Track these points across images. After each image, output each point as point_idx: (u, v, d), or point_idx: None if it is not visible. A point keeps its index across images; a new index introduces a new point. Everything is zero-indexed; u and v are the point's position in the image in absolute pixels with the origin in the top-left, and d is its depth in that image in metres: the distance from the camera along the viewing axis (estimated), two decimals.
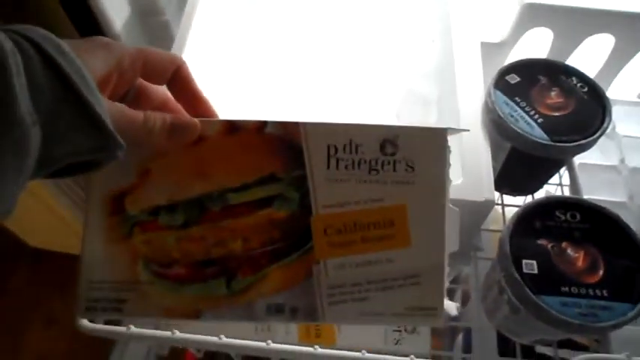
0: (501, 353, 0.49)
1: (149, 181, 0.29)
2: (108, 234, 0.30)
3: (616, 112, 0.55)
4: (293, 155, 0.29)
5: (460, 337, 0.64)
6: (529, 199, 0.53)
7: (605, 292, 0.37)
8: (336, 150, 0.29)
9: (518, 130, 0.44)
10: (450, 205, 0.31)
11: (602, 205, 0.48)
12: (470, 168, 0.43)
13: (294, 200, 0.29)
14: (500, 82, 0.47)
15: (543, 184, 0.53)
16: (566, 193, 0.54)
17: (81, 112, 0.23)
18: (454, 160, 0.45)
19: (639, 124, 0.55)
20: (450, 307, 0.33)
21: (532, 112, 0.45)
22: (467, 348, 0.61)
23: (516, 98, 0.46)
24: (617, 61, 0.52)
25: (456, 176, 0.43)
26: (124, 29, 0.57)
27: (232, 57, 0.55)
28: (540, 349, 0.51)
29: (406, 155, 0.29)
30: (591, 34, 0.50)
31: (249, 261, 0.30)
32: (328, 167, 0.29)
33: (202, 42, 0.52)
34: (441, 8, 0.54)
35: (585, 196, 0.50)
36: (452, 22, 0.51)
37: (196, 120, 0.29)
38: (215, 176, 0.29)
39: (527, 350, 0.47)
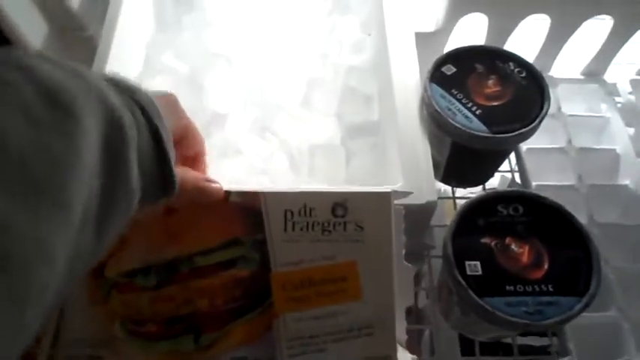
0: (465, 352, 0.48)
1: (127, 246, 0.32)
2: (89, 296, 0.32)
3: (561, 91, 0.54)
4: (254, 220, 0.32)
5: (428, 340, 0.63)
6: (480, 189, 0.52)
7: (550, 287, 0.35)
8: (292, 214, 0.32)
9: (457, 125, 0.42)
10: (405, 262, 0.34)
11: (553, 188, 0.47)
12: (410, 169, 0.41)
13: (255, 260, 0.32)
14: (436, 75, 0.45)
15: (493, 173, 0.51)
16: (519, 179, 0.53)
17: (165, 171, 0.26)
18: (393, 161, 0.44)
19: (585, 102, 0.54)
20: (405, 356, 0.33)
21: (470, 104, 0.43)
22: (434, 350, 0.61)
23: (453, 90, 0.44)
24: (555, 41, 0.50)
25: (396, 179, 0.41)
26: (44, 45, 0.54)
27: (157, 69, 0.52)
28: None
29: (355, 216, 0.32)
30: (526, 16, 0.48)
31: (214, 318, 0.32)
32: (285, 230, 0.32)
33: (124, 56, 0.50)
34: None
35: (535, 182, 0.49)
36: (385, 13, 0.49)
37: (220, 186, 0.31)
38: (184, 241, 0.32)
39: (490, 346, 0.46)
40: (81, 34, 0.56)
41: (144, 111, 0.25)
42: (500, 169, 0.52)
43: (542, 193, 0.40)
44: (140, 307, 0.31)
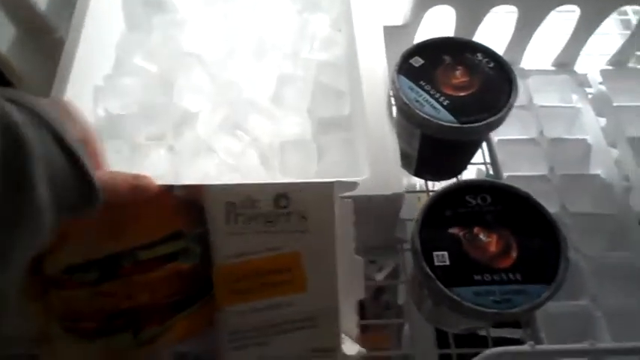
0: (441, 345, 0.48)
1: (66, 242, 0.31)
2: (26, 293, 0.31)
3: (533, 82, 0.54)
4: (197, 213, 0.31)
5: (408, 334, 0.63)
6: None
7: (518, 276, 0.35)
8: (235, 206, 0.31)
9: (425, 116, 0.42)
10: (355, 256, 0.33)
11: (525, 179, 0.47)
12: (377, 162, 0.41)
13: (197, 254, 0.32)
14: (404, 67, 0.45)
15: (466, 165, 0.51)
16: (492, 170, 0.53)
17: (84, 183, 0.25)
18: (361, 155, 0.43)
19: (556, 92, 0.54)
20: (352, 348, 0.33)
21: (437, 95, 0.43)
22: None
23: (421, 82, 0.44)
24: (523, 32, 0.50)
25: (363, 172, 0.41)
26: (12, 50, 0.53)
27: (127, 70, 0.52)
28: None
29: (298, 207, 0.32)
30: (492, 7, 0.48)
31: (155, 312, 0.32)
32: (228, 222, 0.31)
33: (91, 57, 0.49)
34: None
35: (506, 173, 0.49)
36: (353, 9, 0.49)
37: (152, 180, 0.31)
38: (126, 235, 0.31)
39: (465, 338, 0.46)
40: (49, 36, 0.55)
41: (49, 126, 0.24)
42: (474, 161, 0.52)
43: (515, 184, 0.40)
44: (79, 303, 0.31)
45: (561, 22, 0.54)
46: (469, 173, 0.56)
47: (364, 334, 0.64)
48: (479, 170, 0.58)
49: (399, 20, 0.50)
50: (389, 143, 0.42)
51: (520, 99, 0.52)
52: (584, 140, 0.50)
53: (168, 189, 0.31)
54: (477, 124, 0.41)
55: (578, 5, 0.48)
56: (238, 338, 0.32)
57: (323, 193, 0.32)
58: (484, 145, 0.51)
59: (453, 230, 0.38)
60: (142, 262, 0.31)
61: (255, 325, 0.32)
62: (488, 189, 0.39)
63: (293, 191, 0.31)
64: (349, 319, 0.33)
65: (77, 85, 0.46)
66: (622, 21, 0.61)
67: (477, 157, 0.53)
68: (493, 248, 0.37)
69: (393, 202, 0.40)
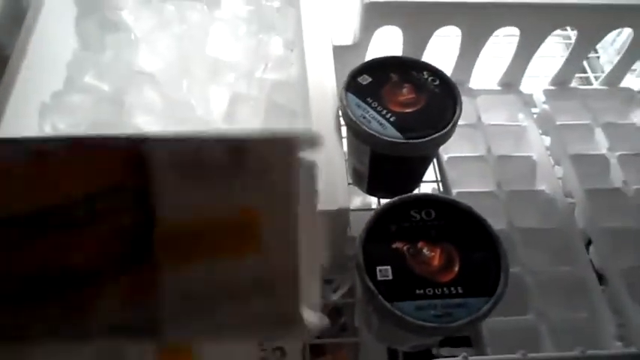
0: None
1: None
2: None
3: (481, 101, 0.55)
4: (140, 165, 0.27)
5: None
6: None
7: (459, 289, 0.35)
8: (184, 160, 0.28)
9: (371, 132, 0.42)
10: (316, 219, 0.29)
11: (473, 195, 0.48)
12: (323, 177, 0.41)
13: (139, 210, 0.27)
14: (352, 85, 0.46)
15: (418, 182, 0.52)
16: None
17: None
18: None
19: (504, 111, 0.55)
20: (313, 317, 0.30)
21: (384, 112, 0.44)
22: None
23: (368, 99, 0.45)
24: (468, 52, 0.52)
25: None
26: None
27: (77, 88, 0.51)
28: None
29: (256, 162, 0.28)
30: (437, 29, 0.49)
31: (90, 277, 0.27)
32: (174, 175, 0.27)
33: (39, 75, 0.48)
34: (294, 13, 0.52)
35: (456, 190, 0.49)
36: (304, 29, 0.50)
37: None
38: (58, 188, 0.27)
39: (416, 357, 0.45)
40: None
41: None
42: (427, 179, 0.53)
43: (464, 200, 0.40)
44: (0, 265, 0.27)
45: (506, 44, 0.56)
46: (424, 191, 0.57)
47: (322, 356, 0.62)
48: (434, 189, 0.59)
49: (349, 40, 0.51)
50: (336, 160, 0.42)
51: (469, 117, 0.54)
52: (529, 157, 0.51)
53: (109, 140, 0.27)
54: (422, 140, 0.42)
55: (519, 27, 0.50)
56: (184, 305, 0.28)
57: (285, 148, 0.27)
58: (435, 162, 0.52)
59: (397, 245, 0.38)
60: (75, 218, 0.28)
61: (204, 291, 0.28)
62: (432, 203, 0.39)
63: (251, 145, 0.27)
64: (311, 287, 0.29)
65: (21, 102, 0.45)
66: (567, 44, 0.64)
67: (430, 174, 0.54)
68: (436, 262, 0.37)
69: (340, 217, 0.40)
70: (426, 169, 0.50)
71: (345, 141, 0.48)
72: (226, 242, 0.27)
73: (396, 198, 0.40)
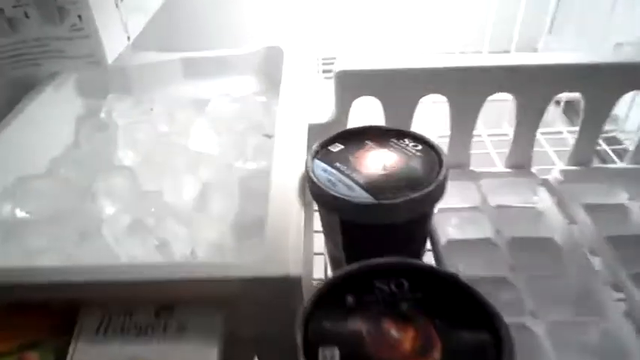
0: None
1: None
2: None
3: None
4: (65, 321, 0.30)
5: None
6: None
7: None
8: (110, 316, 0.31)
9: (337, 194, 0.35)
10: None
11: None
12: (275, 245, 0.33)
13: None
14: (321, 152, 0.40)
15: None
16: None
17: None
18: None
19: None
20: None
21: (353, 174, 0.37)
22: None
23: (337, 164, 0.38)
24: (459, 125, 0.46)
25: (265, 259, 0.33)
26: None
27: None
28: None
29: (180, 319, 0.31)
30: (421, 97, 0.44)
31: None
32: (97, 332, 0.30)
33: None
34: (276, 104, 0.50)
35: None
36: (278, 113, 0.46)
37: None
38: None
39: None
40: None
41: None
42: None
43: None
44: None
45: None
46: None
47: None
48: None
49: (325, 117, 0.47)
50: (292, 227, 0.35)
51: (473, 199, 0.46)
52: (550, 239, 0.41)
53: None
54: (395, 201, 0.34)
55: (513, 93, 0.44)
56: None
57: (207, 310, 0.30)
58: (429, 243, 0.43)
59: (354, 323, 0.28)
60: None
61: None
62: (405, 272, 0.30)
63: (177, 304, 0.30)
64: None
65: None
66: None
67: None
68: (407, 346, 0.26)
69: (289, 286, 0.31)
70: (411, 243, 0.41)
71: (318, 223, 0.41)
72: None
73: (355, 265, 0.31)
